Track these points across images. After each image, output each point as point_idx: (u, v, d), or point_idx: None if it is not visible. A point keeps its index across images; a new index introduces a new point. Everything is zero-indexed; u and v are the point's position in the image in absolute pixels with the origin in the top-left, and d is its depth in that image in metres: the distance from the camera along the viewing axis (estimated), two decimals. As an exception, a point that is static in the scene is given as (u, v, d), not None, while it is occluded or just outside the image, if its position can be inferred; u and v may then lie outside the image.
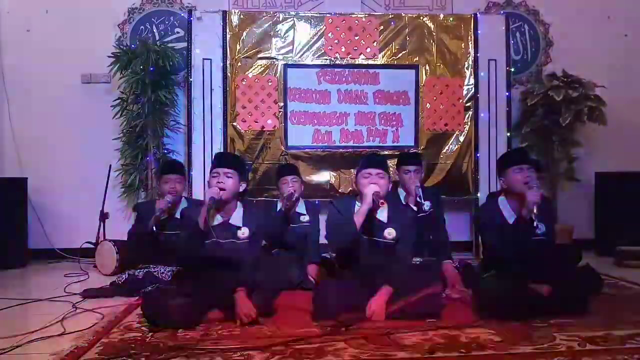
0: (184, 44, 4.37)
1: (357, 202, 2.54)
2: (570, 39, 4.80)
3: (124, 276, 3.13)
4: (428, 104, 4.40)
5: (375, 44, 4.38)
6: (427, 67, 4.40)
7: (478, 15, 4.47)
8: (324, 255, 3.49)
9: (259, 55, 4.31)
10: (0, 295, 3.02)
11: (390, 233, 2.56)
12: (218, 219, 2.52)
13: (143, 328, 2.33)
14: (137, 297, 2.89)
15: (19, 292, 3.24)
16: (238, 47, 4.28)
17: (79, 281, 3.49)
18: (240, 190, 2.55)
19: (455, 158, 4.41)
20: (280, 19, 4.34)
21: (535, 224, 2.39)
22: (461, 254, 4.21)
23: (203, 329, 2.31)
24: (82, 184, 4.44)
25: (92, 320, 2.48)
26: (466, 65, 4.43)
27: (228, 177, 2.48)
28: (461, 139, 4.42)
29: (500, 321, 2.34)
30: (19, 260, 4.13)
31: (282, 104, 4.31)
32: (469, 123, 4.42)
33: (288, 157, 4.27)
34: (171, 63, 4.31)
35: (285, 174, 3.48)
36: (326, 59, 4.36)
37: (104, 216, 4.22)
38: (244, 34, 4.29)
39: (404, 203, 3.32)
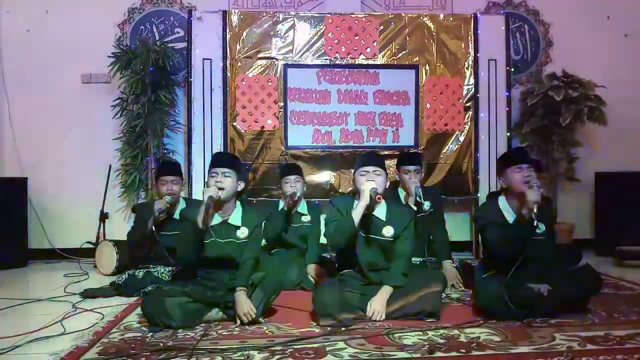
0: (184, 44, 4.38)
1: (356, 201, 2.54)
2: (570, 39, 4.80)
3: (124, 276, 3.13)
4: (428, 104, 4.40)
5: (375, 44, 4.38)
6: (427, 67, 4.40)
7: (478, 15, 4.47)
8: (324, 255, 3.50)
9: (259, 55, 4.31)
10: (0, 295, 3.02)
11: (388, 231, 2.56)
12: (217, 219, 2.52)
13: (143, 328, 2.33)
14: (137, 297, 2.90)
15: (19, 292, 3.24)
16: (238, 47, 4.28)
17: (79, 281, 3.50)
18: (239, 189, 2.55)
19: (455, 158, 4.41)
20: (280, 19, 4.34)
21: (535, 223, 2.39)
22: (461, 254, 4.22)
23: (203, 329, 2.31)
24: (82, 184, 4.44)
25: (92, 320, 2.49)
26: (466, 65, 4.43)
27: (226, 176, 2.48)
28: (461, 139, 4.42)
29: (500, 321, 2.34)
30: (19, 260, 4.14)
31: (282, 104, 4.31)
32: (469, 123, 4.42)
33: (288, 157, 4.27)
34: (171, 63, 4.32)
35: (288, 173, 3.48)
36: (326, 59, 4.36)
37: (103, 216, 4.22)
38: (244, 34, 4.29)
39: (403, 203, 3.32)
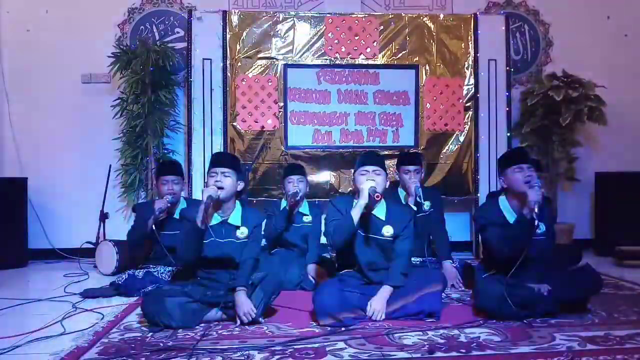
0: (184, 44, 4.38)
1: (356, 200, 2.54)
2: (570, 39, 4.81)
3: (124, 276, 3.13)
4: (428, 104, 4.40)
5: (375, 44, 4.38)
6: (427, 67, 4.40)
7: (478, 15, 4.47)
8: (324, 255, 3.50)
9: (259, 55, 4.31)
10: (0, 295, 3.02)
11: (388, 231, 2.56)
12: (217, 219, 2.52)
13: (143, 328, 2.34)
14: (137, 297, 2.90)
15: (19, 292, 3.24)
16: (238, 47, 4.28)
17: (79, 281, 3.50)
18: (238, 189, 2.55)
19: (455, 158, 4.41)
20: (280, 19, 4.34)
21: (536, 223, 2.39)
22: (461, 254, 4.22)
23: (203, 329, 2.31)
24: (82, 184, 4.45)
25: (92, 320, 2.49)
26: (466, 65, 4.43)
27: (226, 176, 2.48)
28: (461, 139, 4.42)
29: (500, 321, 2.34)
30: (19, 260, 4.14)
31: (282, 104, 4.31)
32: (469, 123, 4.42)
33: (288, 157, 4.27)
34: (171, 63, 4.31)
35: (291, 173, 3.49)
36: (326, 59, 4.36)
37: (103, 216, 4.22)
38: (244, 34, 4.29)
39: (403, 203, 3.32)
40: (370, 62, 4.39)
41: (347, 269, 2.64)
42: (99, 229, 4.19)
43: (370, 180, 2.51)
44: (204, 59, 4.25)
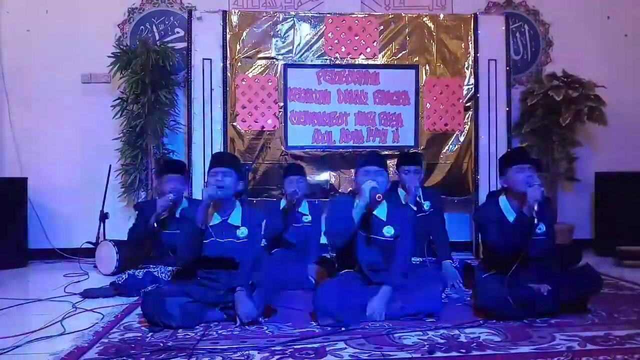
0: (184, 44, 4.38)
1: (356, 201, 2.55)
2: (570, 39, 4.80)
3: (124, 276, 3.12)
4: (428, 104, 4.40)
5: (375, 44, 4.38)
6: (427, 67, 4.40)
7: (478, 15, 4.47)
8: (324, 255, 3.50)
9: (259, 55, 4.31)
10: (0, 295, 3.02)
11: (388, 231, 2.56)
12: (217, 219, 2.52)
13: (143, 328, 2.33)
14: (137, 297, 2.89)
15: (19, 292, 3.24)
16: (238, 47, 4.28)
17: (79, 281, 3.49)
18: (238, 189, 2.56)
19: (455, 158, 4.41)
20: (280, 19, 4.33)
21: (535, 221, 2.39)
22: (461, 254, 4.21)
23: (203, 329, 2.31)
24: (82, 184, 4.44)
25: (92, 321, 2.49)
26: (466, 65, 4.42)
27: (226, 176, 2.48)
28: (461, 139, 4.42)
29: (500, 321, 2.34)
30: (19, 260, 4.13)
31: (282, 104, 4.31)
32: (469, 123, 4.42)
33: (288, 157, 4.27)
34: (171, 63, 4.31)
35: (291, 173, 3.49)
36: (326, 59, 4.36)
37: (104, 216, 4.22)
38: (244, 34, 4.29)
39: (403, 203, 3.32)
40: (370, 62, 4.38)
41: (347, 269, 2.64)
42: (99, 229, 4.18)
43: (371, 181, 2.51)
44: (204, 59, 4.25)
